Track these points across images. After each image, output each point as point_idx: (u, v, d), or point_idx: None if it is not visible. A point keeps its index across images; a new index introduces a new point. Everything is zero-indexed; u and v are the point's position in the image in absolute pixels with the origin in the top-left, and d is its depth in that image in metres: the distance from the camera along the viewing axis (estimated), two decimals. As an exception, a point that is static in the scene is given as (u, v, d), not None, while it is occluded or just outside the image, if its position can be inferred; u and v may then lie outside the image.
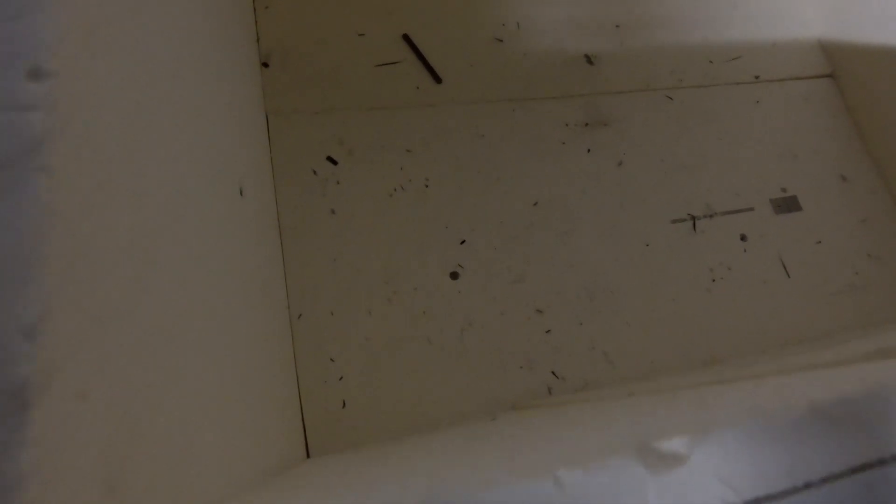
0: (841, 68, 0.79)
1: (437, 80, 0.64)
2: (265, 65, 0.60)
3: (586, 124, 0.67)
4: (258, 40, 0.61)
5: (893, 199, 0.73)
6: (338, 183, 0.56)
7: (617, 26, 0.74)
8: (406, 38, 0.65)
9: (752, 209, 0.69)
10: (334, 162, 0.56)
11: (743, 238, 0.67)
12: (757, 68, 0.76)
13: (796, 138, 0.74)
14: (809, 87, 0.78)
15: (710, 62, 0.75)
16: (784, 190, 0.71)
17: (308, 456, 0.47)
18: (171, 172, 0.25)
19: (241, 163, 0.41)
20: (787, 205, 0.70)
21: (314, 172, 0.55)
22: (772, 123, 0.74)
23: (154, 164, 0.23)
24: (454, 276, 0.57)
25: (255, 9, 0.63)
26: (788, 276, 0.66)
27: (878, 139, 0.74)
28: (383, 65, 0.64)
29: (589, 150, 0.65)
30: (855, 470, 0.15)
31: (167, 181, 0.24)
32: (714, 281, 0.63)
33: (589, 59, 0.70)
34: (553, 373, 0.56)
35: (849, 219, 0.71)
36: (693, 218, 0.66)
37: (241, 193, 0.38)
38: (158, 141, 0.24)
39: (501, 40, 0.69)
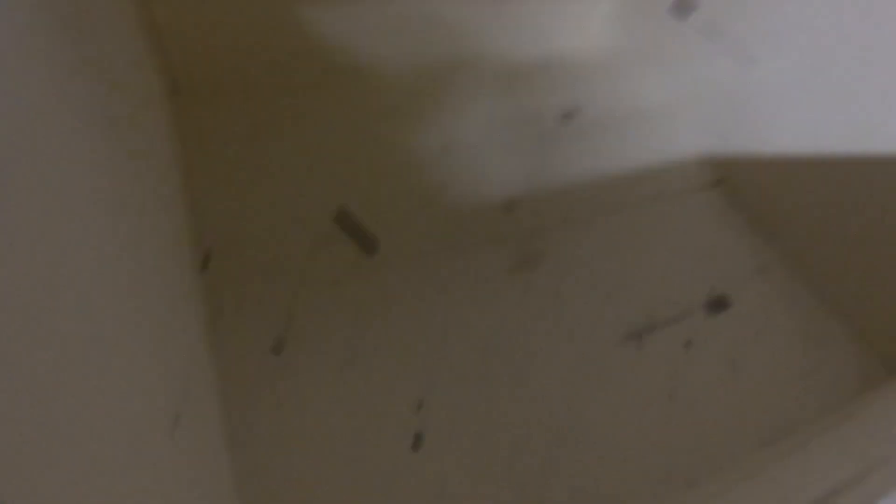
0: (729, 174, 0.89)
1: (373, 249, 0.68)
2: (205, 263, 0.62)
3: (518, 265, 0.71)
4: (197, 240, 0.64)
5: (810, 283, 0.79)
6: (285, 372, 0.55)
7: (531, 172, 0.82)
8: (341, 213, 0.70)
9: (689, 315, 0.72)
10: (279, 351, 0.57)
11: (687, 345, 0.69)
12: (659, 185, 0.86)
13: (711, 243, 0.81)
14: (708, 196, 0.87)
15: (618, 187, 0.84)
16: (713, 291, 0.76)
17: None
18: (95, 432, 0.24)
19: (180, 376, 0.40)
20: (719, 304, 0.74)
21: (259, 366, 0.55)
22: (686, 234, 0.81)
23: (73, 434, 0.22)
24: (416, 444, 0.55)
25: (193, 210, 0.67)
26: (737, 374, 0.68)
27: (778, 231, 0.83)
28: (321, 242, 0.67)
29: (525, 290, 0.69)
30: None
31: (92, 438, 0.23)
32: (669, 394, 0.64)
33: (511, 204, 0.77)
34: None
35: (777, 308, 0.76)
36: (637, 335, 0.69)
37: (177, 418, 0.37)
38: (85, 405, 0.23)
39: (430, 200, 0.75)
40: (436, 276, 0.67)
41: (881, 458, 0.38)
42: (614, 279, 0.73)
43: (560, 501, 0.54)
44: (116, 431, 0.28)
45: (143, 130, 0.58)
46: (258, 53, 0.80)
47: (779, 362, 0.70)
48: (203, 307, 0.57)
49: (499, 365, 0.62)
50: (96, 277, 0.31)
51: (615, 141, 0.90)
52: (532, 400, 0.60)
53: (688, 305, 0.73)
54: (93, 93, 0.35)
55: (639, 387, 0.64)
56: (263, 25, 0.75)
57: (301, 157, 0.75)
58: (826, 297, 0.79)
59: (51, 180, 0.26)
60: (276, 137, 0.77)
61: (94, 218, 0.32)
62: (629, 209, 0.81)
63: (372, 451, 0.53)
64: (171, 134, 0.73)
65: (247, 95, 0.81)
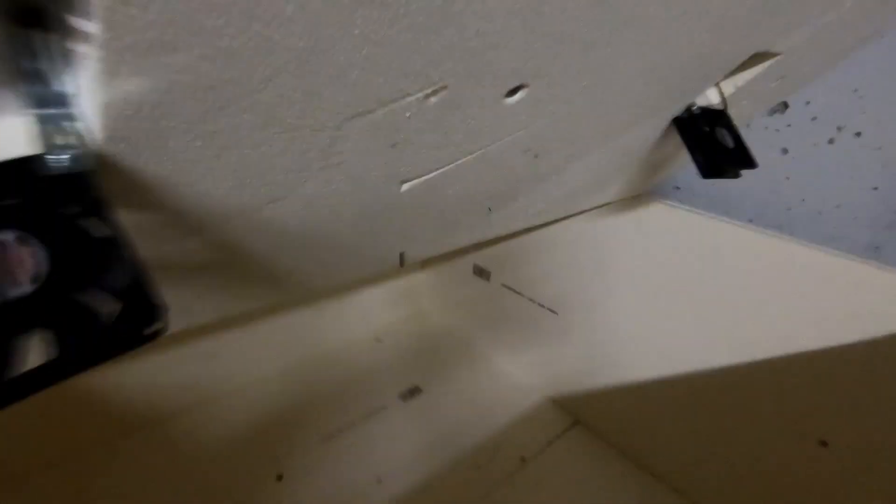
0: (582, 414, 0.99)
1: None
2: None
3: None
4: None
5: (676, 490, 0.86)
6: None
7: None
8: None
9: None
10: None
11: None
12: (522, 449, 0.93)
13: (589, 491, 0.86)
14: (570, 440, 0.96)
15: (478, 467, 0.91)
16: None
17: None
18: None
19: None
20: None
21: None
22: (564, 488, 0.86)
23: None
24: None
25: None
26: None
27: (643, 457, 0.92)
28: None
29: None
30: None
31: None
32: None
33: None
34: None
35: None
36: None
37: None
38: None
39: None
40: None
41: None
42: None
43: None
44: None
45: None
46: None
47: None
48: None
49: None
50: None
51: (471, 400, 0.99)
52: None
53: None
54: None
55: None
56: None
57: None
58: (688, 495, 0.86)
59: None
60: None
61: None
62: (501, 479, 0.87)
63: None
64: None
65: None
